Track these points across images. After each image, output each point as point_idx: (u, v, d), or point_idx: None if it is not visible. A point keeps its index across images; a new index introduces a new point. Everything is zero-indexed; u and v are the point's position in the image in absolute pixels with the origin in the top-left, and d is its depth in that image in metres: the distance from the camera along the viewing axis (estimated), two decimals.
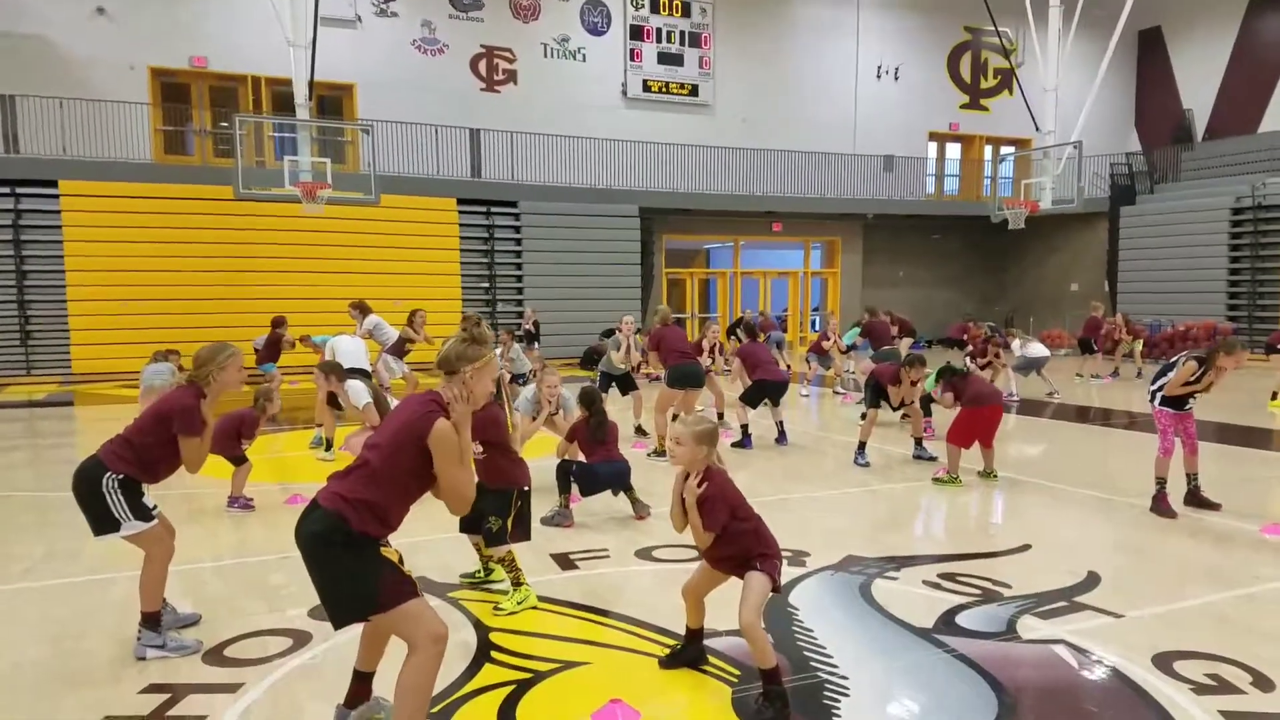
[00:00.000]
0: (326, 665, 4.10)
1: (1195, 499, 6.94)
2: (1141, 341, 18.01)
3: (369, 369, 10.12)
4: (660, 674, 4.02)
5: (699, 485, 3.73)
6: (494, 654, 4.22)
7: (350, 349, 10.07)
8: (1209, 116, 27.00)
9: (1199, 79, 27.22)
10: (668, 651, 4.16)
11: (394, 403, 8.32)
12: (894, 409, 9.34)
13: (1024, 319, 25.20)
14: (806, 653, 4.24)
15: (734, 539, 3.80)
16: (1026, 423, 12.07)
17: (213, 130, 20.99)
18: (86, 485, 4.16)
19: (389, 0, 21.78)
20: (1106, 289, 25.20)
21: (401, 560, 3.13)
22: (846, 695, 3.83)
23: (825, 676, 4.00)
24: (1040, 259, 27.93)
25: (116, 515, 4.14)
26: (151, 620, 4.19)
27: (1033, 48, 20.78)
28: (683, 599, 4.07)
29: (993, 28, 22.22)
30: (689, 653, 4.09)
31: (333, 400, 8.93)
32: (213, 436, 4.46)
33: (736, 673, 4.00)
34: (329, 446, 9.17)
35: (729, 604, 4.07)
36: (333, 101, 21.39)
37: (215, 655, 4.22)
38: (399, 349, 12.05)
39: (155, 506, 4.31)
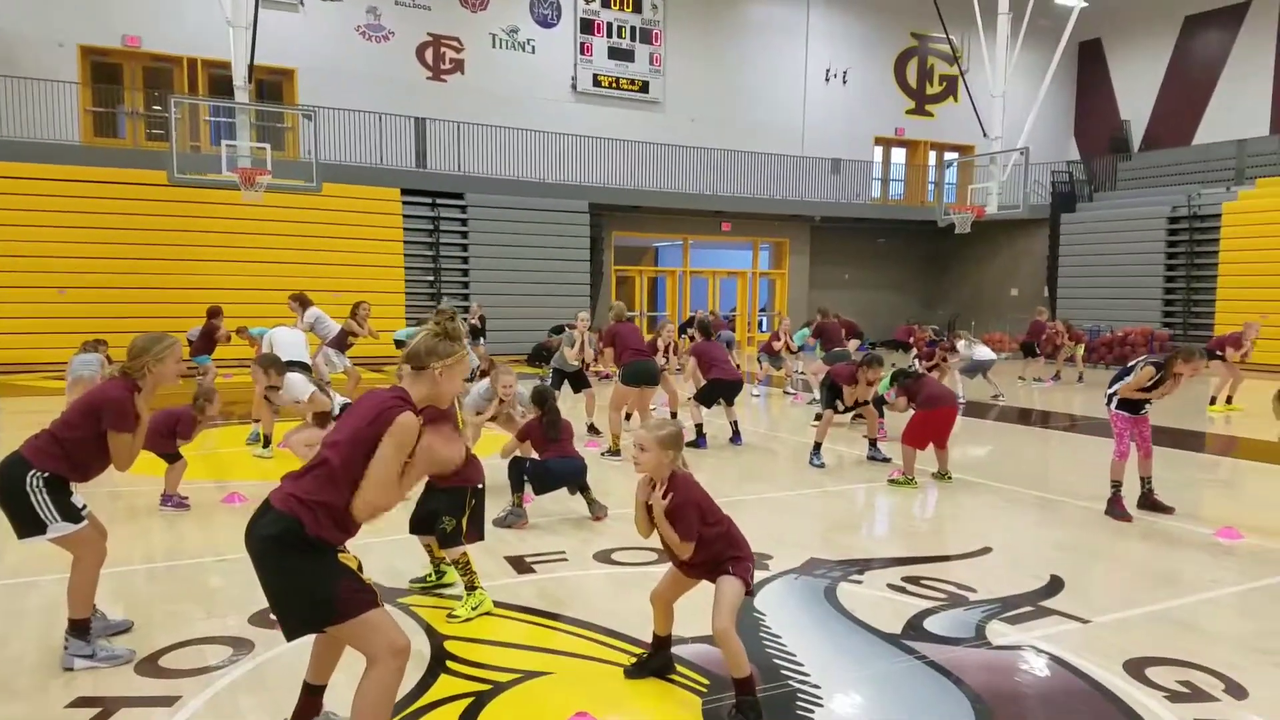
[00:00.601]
0: (271, 676, 3.83)
1: (1149, 502, 6.99)
2: (1082, 346, 18.34)
3: (309, 362, 9.76)
4: (626, 684, 3.84)
5: (665, 496, 3.57)
6: (450, 664, 4.00)
7: (289, 341, 9.70)
8: (1145, 127, 27.71)
9: (1136, 91, 27.91)
10: (633, 660, 3.98)
11: (337, 398, 8.03)
12: (848, 409, 9.29)
13: (965, 323, 25.54)
14: (776, 660, 4.10)
15: (705, 544, 3.63)
16: (974, 425, 12.14)
17: (145, 113, 20.23)
18: (8, 484, 3.83)
19: None
20: (1046, 294, 25.69)
21: (360, 567, 2.91)
22: (820, 705, 3.70)
23: (797, 686, 3.86)
24: (981, 264, 28.38)
25: (42, 517, 3.82)
26: (80, 628, 3.89)
27: (980, 55, 21.05)
28: (650, 604, 3.90)
29: (938, 34, 22.49)
30: (656, 661, 3.91)
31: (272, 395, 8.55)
32: (146, 433, 4.16)
33: (706, 682, 3.84)
34: (267, 443, 8.82)
35: (696, 610, 3.93)
36: (272, 86, 20.77)
37: (149, 665, 3.92)
38: (340, 342, 11.68)
39: (85, 507, 3.99)
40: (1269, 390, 6.47)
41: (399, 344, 17.21)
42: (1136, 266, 23.33)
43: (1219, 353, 12.91)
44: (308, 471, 2.90)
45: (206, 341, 12.72)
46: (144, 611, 4.50)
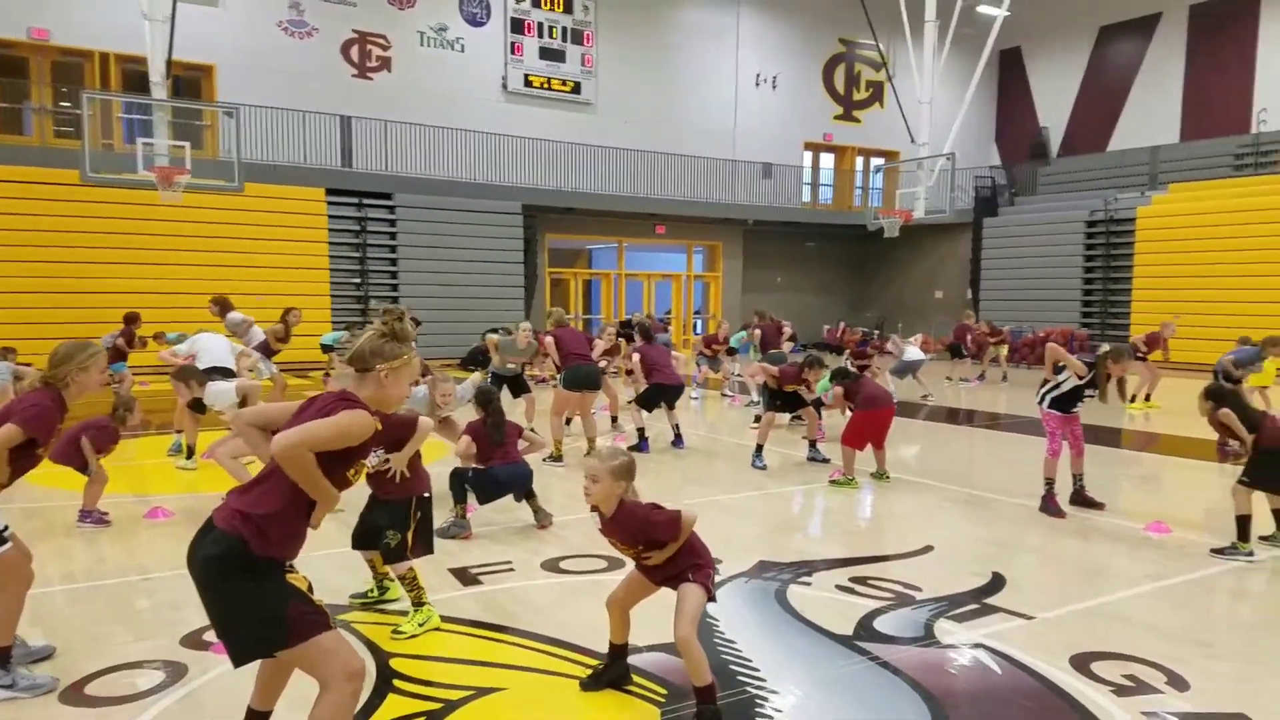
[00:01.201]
0: (208, 701, 3.64)
1: (1081, 498, 7.15)
2: (1006, 346, 18.82)
3: (233, 367, 9.40)
4: (583, 697, 3.74)
5: (607, 527, 3.56)
6: (397, 682, 3.85)
7: (215, 346, 9.31)
8: (1063, 134, 28.57)
9: (1054, 98, 28.77)
10: (589, 672, 3.89)
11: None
12: (809, 405, 9.27)
13: (892, 324, 25.99)
14: (733, 666, 4.05)
15: (668, 554, 3.59)
16: (906, 425, 12.29)
17: (54, 109, 19.37)
18: None
19: None
20: (970, 296, 26.32)
21: (310, 588, 2.76)
22: (779, 711, 3.66)
23: (755, 692, 3.82)
24: (906, 267, 28.92)
25: None
26: (0, 656, 3.64)
27: (906, 61, 21.46)
28: (607, 612, 3.81)
29: (865, 41, 22.85)
30: (613, 672, 3.83)
31: (197, 405, 8.21)
32: (54, 446, 3.93)
33: (663, 691, 3.77)
34: (190, 454, 8.48)
35: (651, 619, 3.88)
36: (189, 83, 20.03)
37: (75, 694, 3.69)
38: (268, 349, 11.33)
39: (7, 528, 3.74)
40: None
41: (325, 349, 16.78)
42: (1056, 269, 24.03)
43: (1138, 353, 13.33)
44: (255, 484, 2.75)
45: (121, 349, 12.25)
46: (66, 636, 4.25)
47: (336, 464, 2.75)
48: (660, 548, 3.58)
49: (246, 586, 2.61)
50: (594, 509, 3.59)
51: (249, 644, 2.70)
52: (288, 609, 2.64)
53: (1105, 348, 7.04)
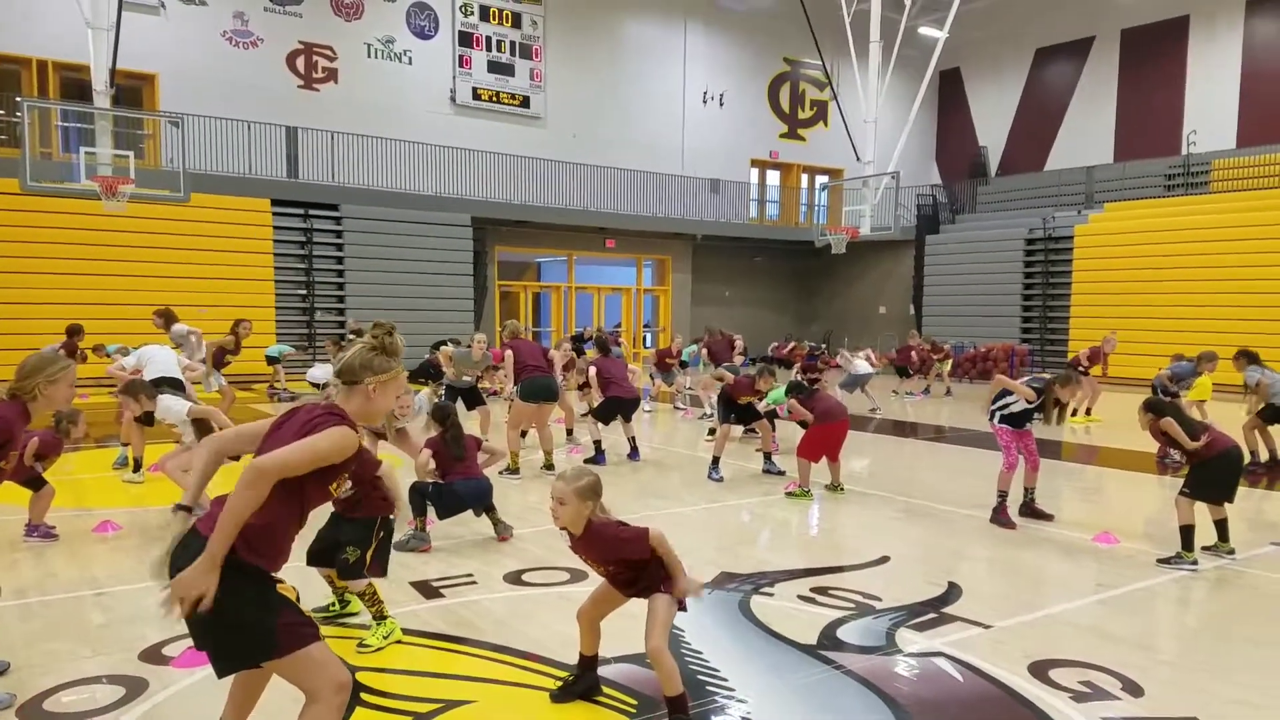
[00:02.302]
0: (171, 716, 3.56)
1: (1031, 510, 7.32)
2: (949, 362, 19.23)
3: (180, 378, 9.18)
4: (552, 709, 3.74)
5: (577, 546, 3.56)
6: (365, 695, 3.80)
7: (160, 357, 9.08)
8: (1002, 153, 29.35)
9: (993, 118, 29.57)
10: (559, 684, 3.88)
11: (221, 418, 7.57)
12: (763, 417, 9.36)
13: (839, 338, 26.39)
14: (701, 677, 4.07)
15: (640, 567, 3.60)
16: (856, 437, 12.41)
17: None
18: None
19: None
20: (912, 312, 26.82)
21: (299, 598, 2.73)
22: (747, 718, 3.70)
23: (723, 701, 3.85)
24: (851, 283, 29.38)
25: None
26: None
27: (850, 81, 21.87)
28: (577, 623, 3.81)
29: (810, 60, 23.23)
30: (583, 683, 3.83)
31: (146, 418, 8.00)
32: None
33: (633, 703, 3.78)
34: (137, 467, 8.28)
35: (619, 630, 3.90)
36: (130, 92, 19.60)
37: (32, 710, 3.59)
38: (217, 360, 11.13)
39: None
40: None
41: (270, 360, 16.52)
42: (997, 285, 24.61)
43: (1080, 368, 13.67)
44: None
45: None
46: (20, 652, 4.13)
47: (320, 479, 2.73)
48: (630, 566, 3.59)
49: (235, 596, 2.57)
50: (563, 528, 3.60)
51: (235, 655, 2.67)
52: (278, 620, 2.61)
53: (1049, 375, 7.25)
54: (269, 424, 2.90)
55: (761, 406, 9.16)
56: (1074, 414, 14.01)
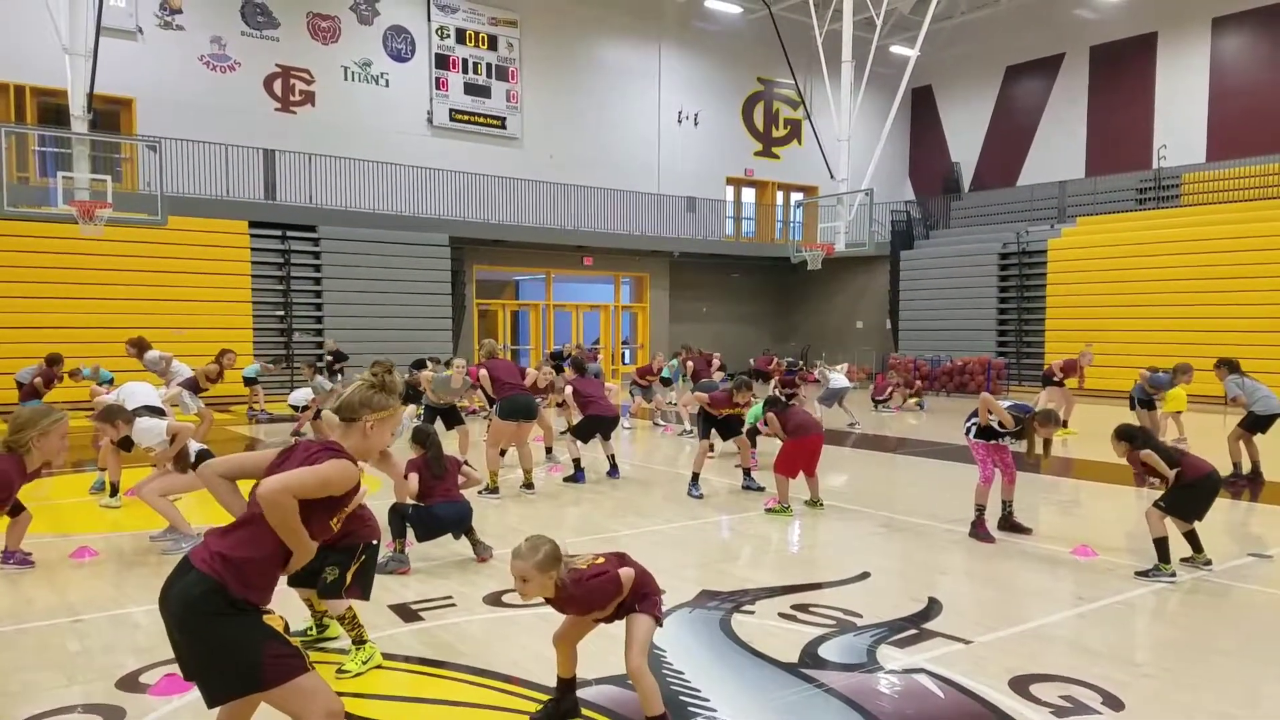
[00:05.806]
0: None
1: (1009, 524, 7.37)
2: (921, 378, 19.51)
3: (161, 406, 9.13)
4: None
5: (556, 605, 3.57)
6: None
7: (140, 391, 9.04)
8: (974, 169, 29.66)
9: (965, 135, 29.90)
10: (538, 706, 3.87)
11: (194, 445, 7.51)
12: (742, 433, 9.39)
13: (816, 353, 26.54)
14: (683, 697, 4.07)
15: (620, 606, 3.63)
16: (834, 452, 12.52)
17: None
18: None
19: (174, 13, 20.27)
20: (889, 326, 27.00)
21: (287, 629, 2.75)
22: None
23: None
24: (827, 298, 29.56)
25: None
26: None
27: (823, 99, 22.07)
28: (553, 646, 3.81)
29: (783, 79, 23.43)
30: (562, 706, 3.82)
31: (125, 443, 7.93)
32: None
33: None
34: (114, 492, 8.20)
35: (598, 652, 3.89)
36: (108, 116, 19.50)
37: None
38: (194, 384, 11.10)
39: None
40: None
41: (248, 381, 16.42)
42: (972, 299, 24.85)
43: (1054, 378, 13.78)
44: (236, 528, 2.75)
45: (38, 388, 11.84)
46: None
47: (320, 512, 2.79)
48: (615, 607, 3.60)
49: (225, 628, 2.61)
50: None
51: (224, 685, 2.69)
52: (264, 651, 2.64)
53: (1034, 406, 7.25)
54: (269, 455, 2.95)
55: (746, 428, 9.21)
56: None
